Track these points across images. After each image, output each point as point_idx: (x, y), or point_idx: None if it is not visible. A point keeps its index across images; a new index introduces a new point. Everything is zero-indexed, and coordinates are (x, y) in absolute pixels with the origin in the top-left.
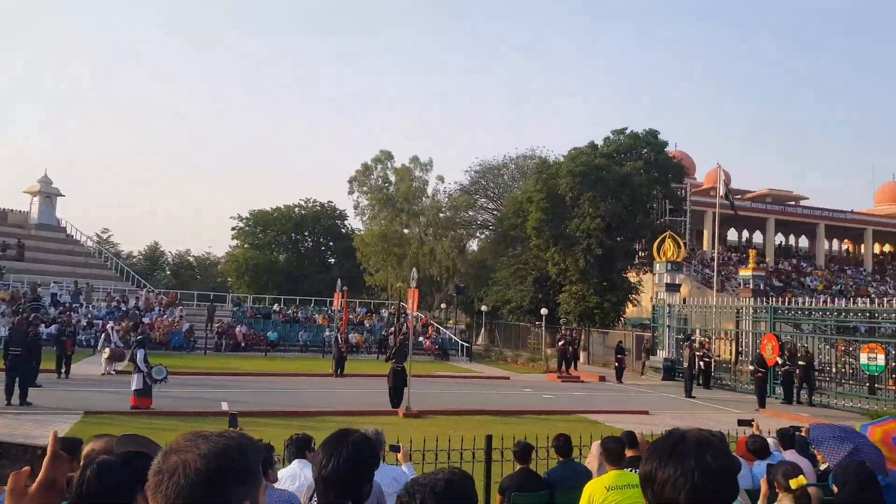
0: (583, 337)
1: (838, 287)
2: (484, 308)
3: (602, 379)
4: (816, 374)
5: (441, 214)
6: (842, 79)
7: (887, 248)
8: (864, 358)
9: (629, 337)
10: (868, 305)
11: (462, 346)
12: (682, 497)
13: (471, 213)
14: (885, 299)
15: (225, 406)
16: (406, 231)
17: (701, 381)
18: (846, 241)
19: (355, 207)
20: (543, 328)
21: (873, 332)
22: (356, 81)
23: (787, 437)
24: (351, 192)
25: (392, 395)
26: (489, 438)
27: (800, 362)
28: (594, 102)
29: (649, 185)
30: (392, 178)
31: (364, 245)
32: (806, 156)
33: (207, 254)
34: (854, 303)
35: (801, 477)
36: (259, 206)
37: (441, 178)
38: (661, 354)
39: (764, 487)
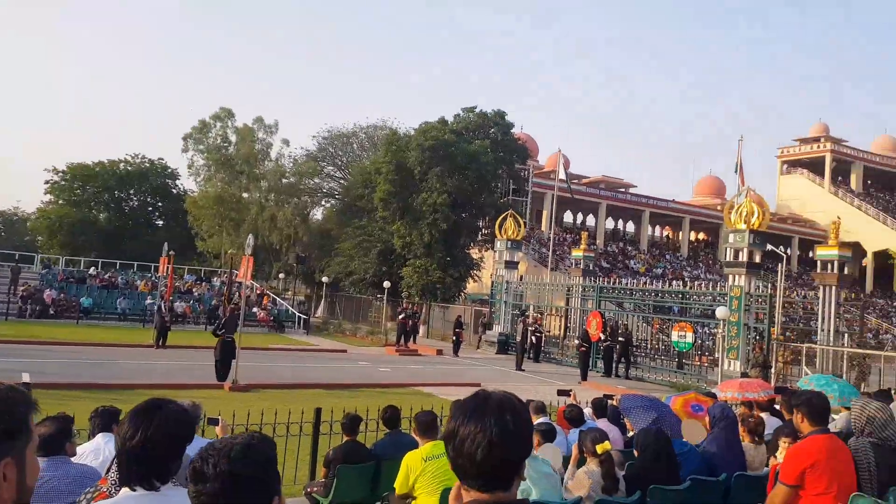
0: (424, 311)
1: (659, 270)
2: (325, 279)
3: (440, 353)
4: (634, 349)
5: (284, 180)
6: (679, 88)
7: (702, 235)
8: (674, 336)
9: (469, 312)
10: (681, 288)
11: (299, 318)
12: (479, 453)
13: (316, 181)
14: (696, 283)
15: (26, 377)
16: (245, 195)
17: (531, 355)
18: (667, 227)
19: (189, 167)
20: (385, 301)
21: (685, 312)
22: (198, 36)
23: (600, 407)
24: (185, 151)
25: (218, 367)
26: (318, 412)
27: (619, 338)
28: (448, 79)
29: (495, 164)
30: (232, 137)
31: (197, 208)
32: (637, 147)
33: (14, 209)
34: (669, 285)
35: (606, 443)
36: (79, 160)
37: (286, 142)
38: (497, 329)
39: (575, 452)
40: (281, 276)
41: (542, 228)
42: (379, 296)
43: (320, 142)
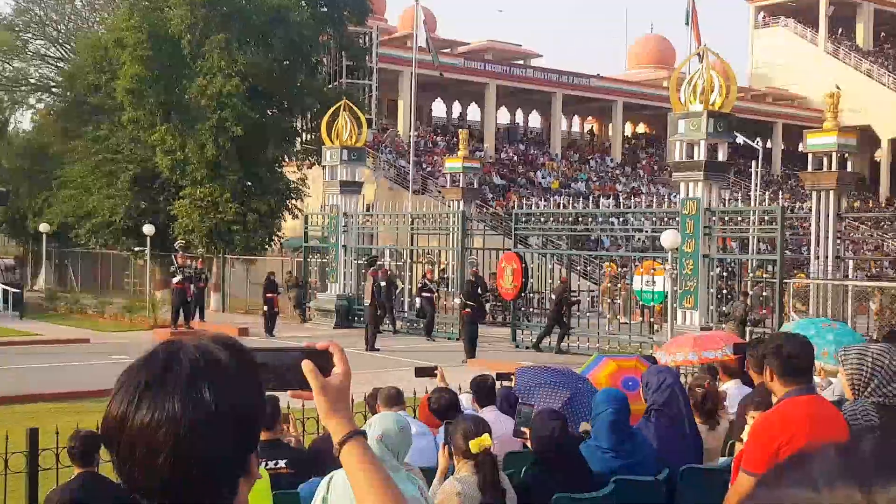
0: (215, 269)
1: (580, 184)
2: (45, 228)
3: (244, 332)
4: (571, 309)
5: None
6: None
7: (642, 127)
8: (637, 283)
9: (286, 266)
10: (612, 208)
11: (7, 293)
12: (159, 456)
13: (16, 66)
14: (636, 199)
15: None
16: None
17: (425, 329)
18: (591, 118)
19: None
20: (149, 258)
21: (621, 244)
22: None
23: (484, 390)
24: None
25: None
26: (34, 435)
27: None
28: None
29: (315, 25)
30: None
31: None
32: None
33: None
34: (596, 205)
35: (484, 436)
36: None
37: None
38: (335, 290)
39: (441, 461)
40: None
41: (399, 127)
42: (138, 249)
43: (20, 2)
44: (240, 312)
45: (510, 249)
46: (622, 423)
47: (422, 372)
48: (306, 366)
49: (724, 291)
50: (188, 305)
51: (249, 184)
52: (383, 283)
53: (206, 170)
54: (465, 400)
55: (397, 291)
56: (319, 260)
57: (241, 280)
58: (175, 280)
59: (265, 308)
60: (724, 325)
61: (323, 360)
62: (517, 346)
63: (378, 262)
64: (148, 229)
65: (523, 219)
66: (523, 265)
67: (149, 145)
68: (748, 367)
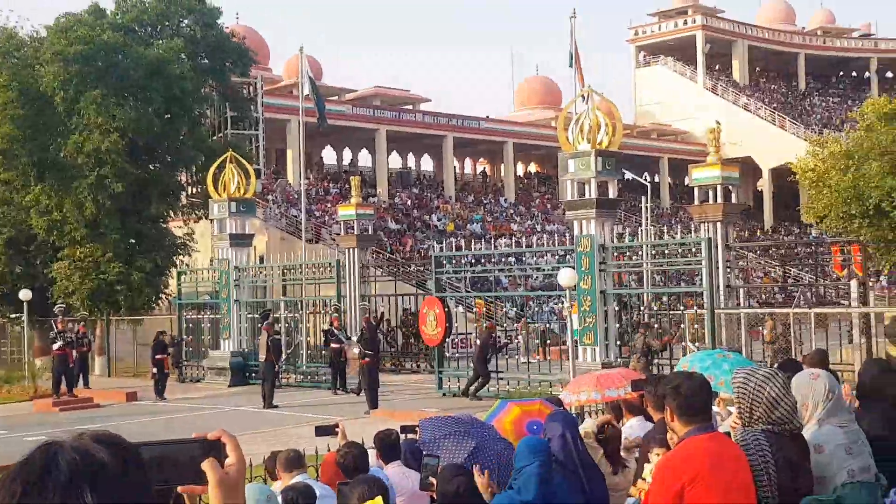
0: (98, 332)
1: (475, 225)
2: None
3: (132, 397)
4: (502, 349)
5: None
6: None
7: (533, 167)
8: (573, 321)
9: (175, 324)
10: (512, 248)
11: None
12: None
13: None
14: (531, 238)
15: None
16: None
17: (339, 383)
18: (483, 160)
19: None
20: (27, 324)
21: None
22: None
23: (388, 444)
24: None
25: None
26: None
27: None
28: None
29: (196, 79)
30: None
31: None
32: (432, 43)
33: None
34: (494, 246)
35: (377, 499)
36: None
37: None
38: (228, 346)
39: None
40: None
41: (289, 176)
42: (15, 316)
43: None
44: (127, 376)
45: (420, 294)
46: (547, 475)
47: (322, 430)
48: (208, 464)
49: (618, 326)
50: (71, 372)
51: (133, 241)
52: (278, 337)
53: (86, 229)
54: (371, 455)
55: (295, 344)
56: (211, 316)
57: (128, 342)
58: (56, 346)
59: (154, 370)
60: (635, 364)
61: (215, 451)
62: (444, 395)
63: (269, 316)
64: (24, 294)
65: (444, 262)
66: (446, 309)
67: (23, 206)
68: (647, 404)
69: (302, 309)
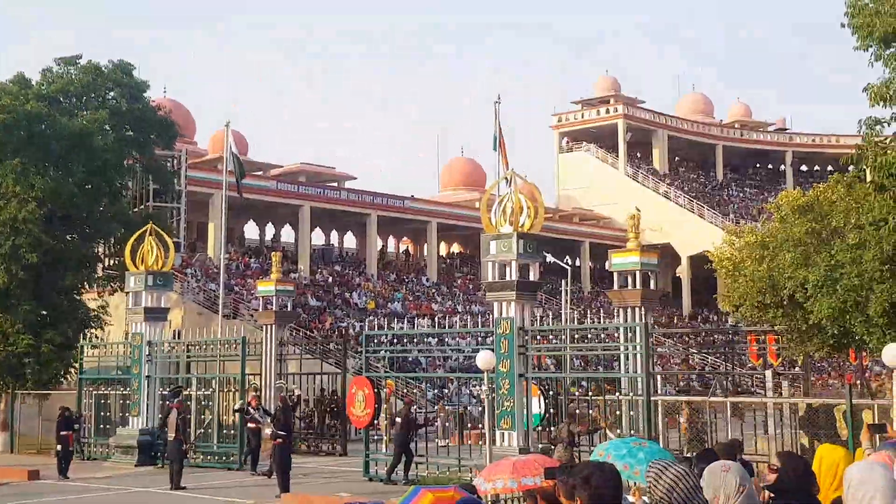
0: (2, 406)
1: (395, 304)
2: None
3: (34, 475)
4: (416, 431)
5: None
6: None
7: (455, 247)
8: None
9: (85, 400)
10: (469, 328)
11: None
12: None
13: None
14: (451, 319)
15: None
16: None
17: (249, 462)
18: (405, 239)
19: None
20: None
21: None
22: None
23: None
24: None
25: None
26: None
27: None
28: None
29: (120, 150)
30: None
31: None
32: (356, 120)
33: None
34: (413, 326)
35: None
36: None
37: None
38: (136, 423)
39: None
40: None
41: (210, 250)
42: None
43: None
44: (30, 453)
45: (338, 373)
46: None
47: None
48: None
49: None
50: None
51: (45, 313)
52: (188, 416)
53: None
54: None
55: (206, 423)
56: (121, 391)
57: (33, 417)
58: None
59: (59, 447)
60: (556, 450)
61: None
62: (370, 479)
63: (179, 392)
64: None
65: (374, 341)
66: (375, 390)
67: None
68: (559, 493)
69: (214, 386)
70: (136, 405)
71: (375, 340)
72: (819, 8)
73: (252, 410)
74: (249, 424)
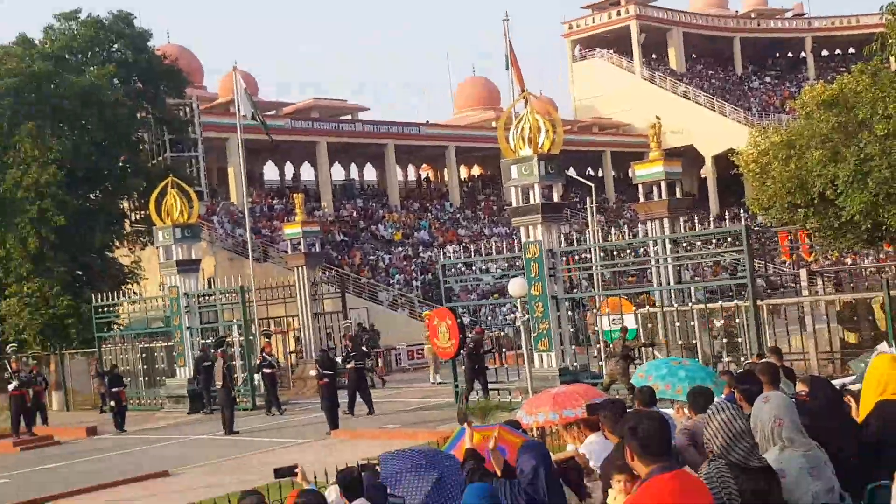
0: (52, 367)
1: (422, 233)
2: None
3: (93, 432)
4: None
5: None
6: None
7: (476, 170)
8: (602, 322)
9: (122, 355)
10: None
11: None
12: None
13: None
14: (479, 242)
15: None
16: None
17: (271, 405)
18: (426, 166)
19: None
20: None
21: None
22: None
23: (351, 483)
24: None
25: None
26: None
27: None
28: None
29: (130, 102)
30: None
31: None
32: (364, 51)
33: None
34: (443, 253)
35: None
36: None
37: None
38: (183, 374)
39: None
40: None
41: (232, 195)
42: None
43: None
44: (86, 408)
45: (441, 306)
46: None
47: (281, 473)
48: None
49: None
50: (29, 411)
51: (80, 273)
52: (232, 362)
53: (31, 264)
54: (334, 492)
55: (250, 367)
56: (162, 344)
57: (85, 374)
58: (11, 387)
59: (111, 402)
60: (612, 367)
61: None
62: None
63: (224, 342)
64: None
65: (450, 270)
66: (458, 320)
67: None
68: (603, 427)
69: (257, 331)
70: (182, 356)
71: (451, 270)
72: None
73: (267, 357)
74: (265, 370)
